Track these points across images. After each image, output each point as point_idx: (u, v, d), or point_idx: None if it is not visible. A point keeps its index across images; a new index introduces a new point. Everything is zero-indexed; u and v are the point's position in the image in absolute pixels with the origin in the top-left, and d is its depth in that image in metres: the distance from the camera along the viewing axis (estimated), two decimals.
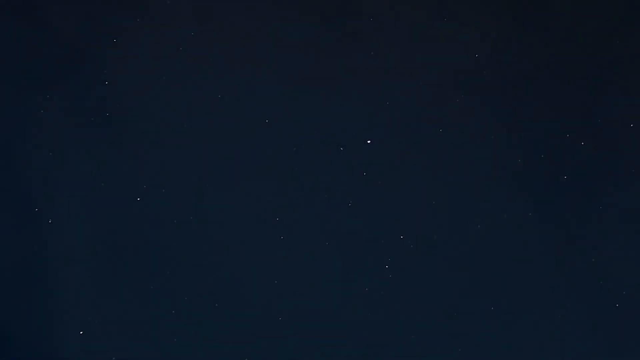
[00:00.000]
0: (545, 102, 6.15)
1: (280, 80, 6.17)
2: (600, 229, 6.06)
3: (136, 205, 6.04)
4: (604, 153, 6.12)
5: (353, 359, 6.01)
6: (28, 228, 5.94)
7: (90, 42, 6.10)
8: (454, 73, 6.15)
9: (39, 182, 6.00)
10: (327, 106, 6.16)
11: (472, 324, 6.04)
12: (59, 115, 6.07)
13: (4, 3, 5.99)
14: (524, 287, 6.04)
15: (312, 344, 6.04)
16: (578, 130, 6.12)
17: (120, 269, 6.00)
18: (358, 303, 6.05)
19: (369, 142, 6.14)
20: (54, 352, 5.92)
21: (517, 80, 6.16)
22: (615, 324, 6.00)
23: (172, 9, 6.13)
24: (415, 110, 6.16)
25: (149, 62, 6.10)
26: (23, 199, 5.96)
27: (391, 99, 6.16)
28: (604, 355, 5.99)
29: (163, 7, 6.13)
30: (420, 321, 6.05)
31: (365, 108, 6.16)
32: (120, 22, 6.12)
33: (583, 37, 6.15)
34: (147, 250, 6.02)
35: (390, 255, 6.09)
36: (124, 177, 6.06)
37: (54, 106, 6.07)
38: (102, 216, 6.03)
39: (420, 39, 6.18)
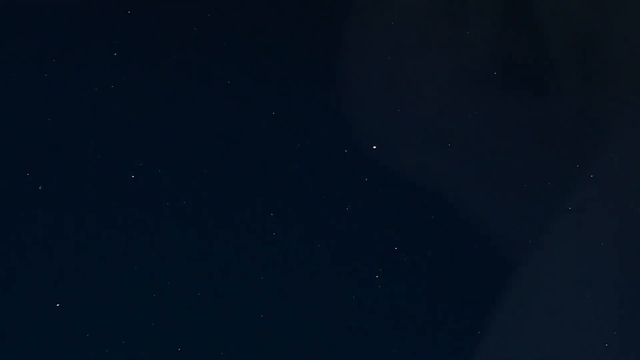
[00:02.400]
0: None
1: (292, 77, 6.10)
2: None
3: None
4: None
5: None
6: None
7: None
8: (466, 86, 6.13)
9: None
10: (338, 107, 6.08)
11: (461, 339, 5.95)
12: None
13: None
14: (517, 304, 5.97)
15: (294, 347, 5.89)
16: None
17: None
18: (344, 309, 5.93)
19: (374, 147, 6.05)
20: None
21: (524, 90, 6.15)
22: None
23: None
24: (425, 122, 6.10)
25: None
26: None
27: (403, 107, 6.10)
28: None
29: None
30: (405, 333, 5.94)
31: (375, 113, 6.08)
32: None
33: None
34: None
35: (382, 265, 5.99)
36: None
37: None
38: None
39: (433, 46, 6.15)
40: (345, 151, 6.04)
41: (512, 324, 5.98)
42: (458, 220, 6.05)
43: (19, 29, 5.86)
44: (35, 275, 5.74)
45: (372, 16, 6.14)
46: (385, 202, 6.03)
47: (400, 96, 6.12)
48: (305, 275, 5.95)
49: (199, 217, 5.92)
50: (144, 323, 5.80)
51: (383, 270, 5.97)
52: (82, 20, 5.94)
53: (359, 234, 5.99)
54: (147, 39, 5.99)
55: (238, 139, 5.99)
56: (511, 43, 6.15)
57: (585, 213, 6.05)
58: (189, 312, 5.85)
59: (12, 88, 5.84)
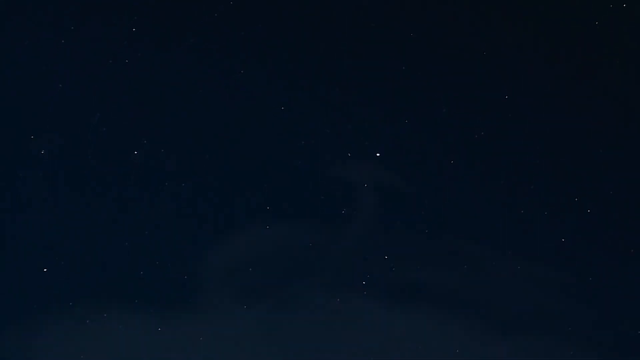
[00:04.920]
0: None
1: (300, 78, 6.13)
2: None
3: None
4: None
5: None
6: None
7: None
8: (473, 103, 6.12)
9: None
10: (349, 110, 6.10)
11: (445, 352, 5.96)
12: None
13: None
14: (500, 325, 5.97)
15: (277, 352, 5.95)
16: None
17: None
18: (325, 313, 5.95)
19: (378, 154, 6.06)
20: None
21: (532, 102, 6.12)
22: None
23: None
24: (432, 138, 6.09)
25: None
26: None
27: (411, 118, 6.10)
28: None
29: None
30: (387, 344, 5.96)
31: (385, 122, 6.09)
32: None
33: None
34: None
35: (370, 272, 5.99)
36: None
37: None
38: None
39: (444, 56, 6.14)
40: (349, 154, 6.06)
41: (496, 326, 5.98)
42: (453, 231, 6.05)
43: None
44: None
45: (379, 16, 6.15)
46: (382, 209, 6.05)
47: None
48: (294, 272, 6.00)
49: (195, 204, 6.00)
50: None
51: (371, 276, 5.99)
52: None
53: (351, 237, 6.01)
54: (164, 23, 6.07)
55: (244, 132, 6.04)
56: None
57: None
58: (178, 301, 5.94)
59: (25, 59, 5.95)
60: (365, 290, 5.95)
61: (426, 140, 6.07)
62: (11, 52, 5.94)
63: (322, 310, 5.93)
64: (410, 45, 6.12)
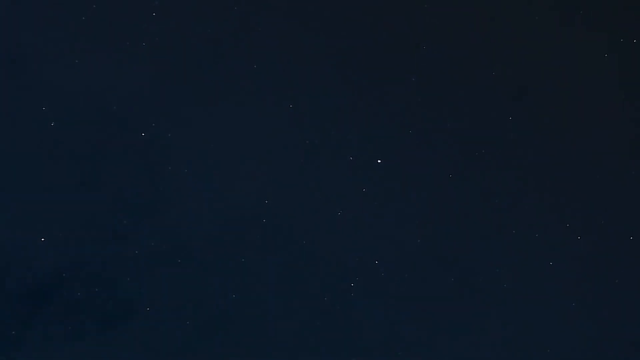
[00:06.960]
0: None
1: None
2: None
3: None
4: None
5: None
6: None
7: None
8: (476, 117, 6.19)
9: None
10: (355, 115, 6.16)
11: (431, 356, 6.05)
12: None
13: None
14: (487, 335, 6.06)
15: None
16: None
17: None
18: (314, 315, 6.03)
19: (379, 161, 6.12)
20: None
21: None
22: None
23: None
24: (434, 150, 6.16)
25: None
26: None
27: (415, 129, 6.15)
28: None
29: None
30: (375, 347, 6.04)
31: (389, 130, 6.15)
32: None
33: None
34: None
35: (359, 275, 6.06)
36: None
37: None
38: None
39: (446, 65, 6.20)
40: (351, 158, 6.12)
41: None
42: (446, 242, 6.13)
43: None
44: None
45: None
46: (378, 215, 6.12)
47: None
48: (286, 270, 6.07)
49: (194, 195, 6.07)
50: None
51: (360, 279, 6.07)
52: None
53: (342, 241, 6.09)
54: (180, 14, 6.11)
55: (249, 126, 6.10)
56: None
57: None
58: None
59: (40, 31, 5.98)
60: (353, 292, 6.05)
61: (427, 151, 6.14)
62: (27, 28, 5.99)
63: (314, 310, 6.03)
64: (420, 57, 6.18)
